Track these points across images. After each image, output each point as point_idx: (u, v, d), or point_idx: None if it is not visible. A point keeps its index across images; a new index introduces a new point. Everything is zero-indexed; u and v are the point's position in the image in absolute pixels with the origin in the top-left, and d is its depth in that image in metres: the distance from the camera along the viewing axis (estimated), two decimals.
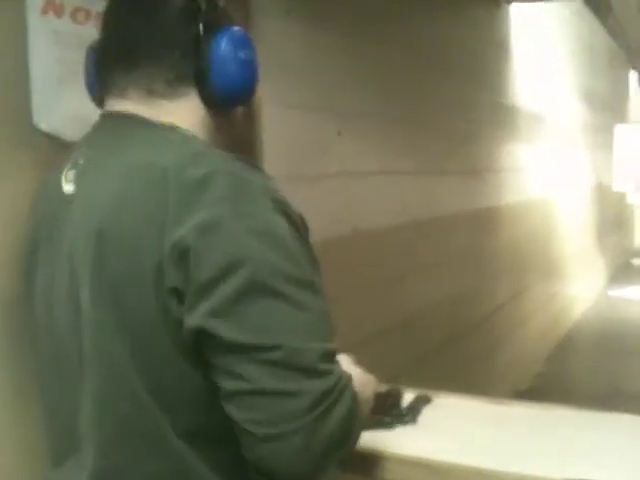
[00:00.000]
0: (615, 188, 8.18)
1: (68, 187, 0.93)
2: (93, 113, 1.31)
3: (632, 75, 9.68)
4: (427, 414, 1.46)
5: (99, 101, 1.00)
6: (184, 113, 0.93)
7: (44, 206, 0.99)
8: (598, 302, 7.06)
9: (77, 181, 0.92)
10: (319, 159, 2.25)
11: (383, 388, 1.48)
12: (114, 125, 0.94)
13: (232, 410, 0.79)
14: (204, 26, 0.92)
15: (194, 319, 0.78)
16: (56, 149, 1.24)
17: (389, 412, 1.42)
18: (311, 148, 2.20)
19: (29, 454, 1.19)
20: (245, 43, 0.94)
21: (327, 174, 2.29)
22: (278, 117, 1.99)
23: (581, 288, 6.66)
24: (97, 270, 0.84)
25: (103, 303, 0.84)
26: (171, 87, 0.92)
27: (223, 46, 0.92)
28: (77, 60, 1.28)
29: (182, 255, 0.78)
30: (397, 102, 2.78)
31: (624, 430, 1.38)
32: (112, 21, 0.98)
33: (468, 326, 3.56)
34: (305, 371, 0.79)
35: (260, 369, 0.77)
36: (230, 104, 0.97)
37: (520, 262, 4.55)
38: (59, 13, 1.27)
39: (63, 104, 1.27)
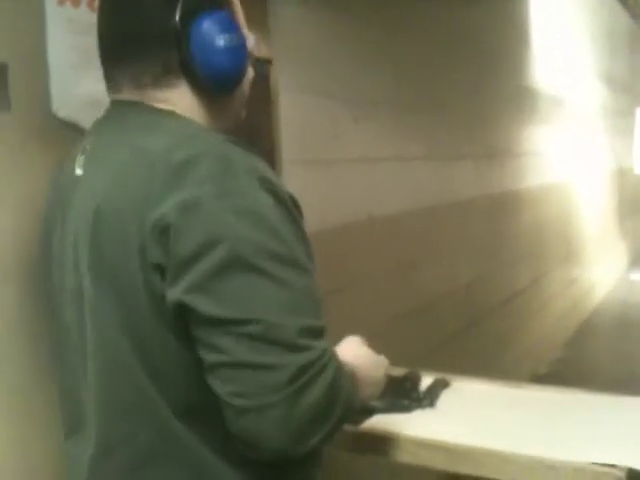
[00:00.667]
0: (637, 171, 8.07)
1: (78, 171, 0.97)
2: (108, 99, 1.34)
3: None
4: (445, 398, 1.47)
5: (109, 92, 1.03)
6: (177, 100, 0.95)
7: (59, 189, 1.03)
8: (618, 286, 6.99)
9: (84, 165, 0.96)
10: (335, 145, 2.25)
11: (401, 372, 1.49)
12: (117, 112, 0.98)
13: (214, 383, 0.81)
14: (181, 15, 0.91)
15: (174, 294, 0.81)
16: (73, 136, 1.26)
17: (407, 395, 1.43)
18: (327, 134, 2.20)
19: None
20: (225, 27, 0.93)
21: (343, 160, 2.29)
22: (295, 103, 1.99)
23: (601, 272, 6.60)
24: (94, 249, 0.88)
25: (99, 281, 0.88)
26: (159, 80, 0.94)
27: (201, 35, 0.92)
28: (93, 47, 1.30)
29: (163, 232, 0.81)
30: (414, 88, 2.76)
31: None
32: (100, 17, 1.00)
33: (487, 311, 3.55)
34: (284, 345, 0.80)
35: (239, 342, 0.79)
36: (220, 91, 0.97)
37: (539, 247, 4.52)
38: (75, 2, 1.28)
39: (80, 91, 1.29)
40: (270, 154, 1.85)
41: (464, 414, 1.40)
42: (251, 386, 0.79)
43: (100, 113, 1.25)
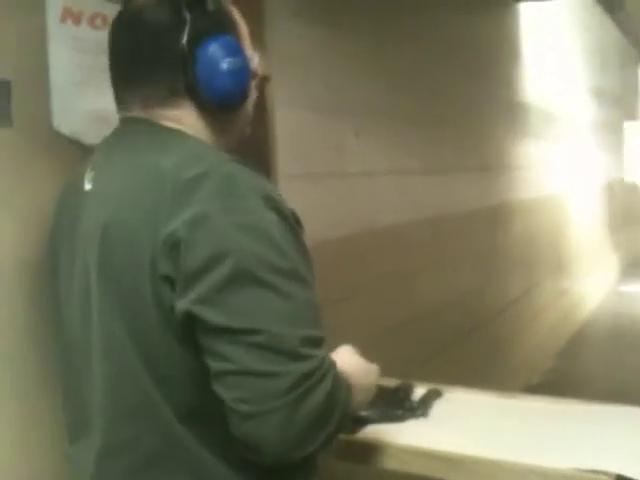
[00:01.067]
0: (627, 180, 8.16)
1: (88, 185, 1.02)
2: (110, 116, 1.36)
3: None
4: (438, 408, 1.49)
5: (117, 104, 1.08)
6: (184, 119, 1.00)
7: (67, 202, 1.08)
8: (609, 297, 7.05)
9: (94, 180, 1.01)
10: (335, 159, 2.29)
11: (395, 382, 1.52)
12: (127, 129, 1.03)
13: (219, 389, 0.85)
14: (188, 40, 0.96)
15: (183, 304, 0.85)
16: (75, 151, 1.29)
17: (401, 405, 1.45)
18: (327, 148, 2.24)
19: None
20: (229, 52, 0.98)
21: (344, 173, 2.32)
22: (292, 117, 2.03)
23: (592, 284, 6.66)
24: (102, 261, 0.93)
25: (107, 291, 0.92)
26: (165, 102, 0.99)
27: (206, 59, 0.97)
28: (94, 65, 1.34)
29: (173, 246, 0.85)
30: (412, 101, 2.81)
31: (634, 422, 1.41)
32: (112, 41, 1.05)
33: (481, 321, 3.58)
34: (286, 354, 0.84)
35: (244, 351, 0.83)
36: (224, 111, 1.02)
37: (532, 258, 4.57)
38: (77, 21, 1.31)
39: (82, 108, 1.32)
40: (266, 168, 1.88)
41: (456, 423, 1.43)
42: (255, 392, 0.83)
43: (101, 129, 1.28)
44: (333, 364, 0.90)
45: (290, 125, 2.00)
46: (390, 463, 1.32)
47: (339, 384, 0.90)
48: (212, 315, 0.83)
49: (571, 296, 5.83)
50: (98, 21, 1.35)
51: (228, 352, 0.83)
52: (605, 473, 1.15)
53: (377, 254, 2.48)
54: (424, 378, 1.64)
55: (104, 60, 1.34)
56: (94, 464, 0.97)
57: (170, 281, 0.86)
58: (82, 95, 1.32)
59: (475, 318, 3.50)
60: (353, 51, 2.38)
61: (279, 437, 0.83)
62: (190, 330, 0.86)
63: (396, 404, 1.45)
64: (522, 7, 4.35)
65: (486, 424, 1.43)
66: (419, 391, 1.54)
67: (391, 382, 1.49)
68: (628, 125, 7.14)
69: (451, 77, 3.22)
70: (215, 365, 0.85)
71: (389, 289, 2.58)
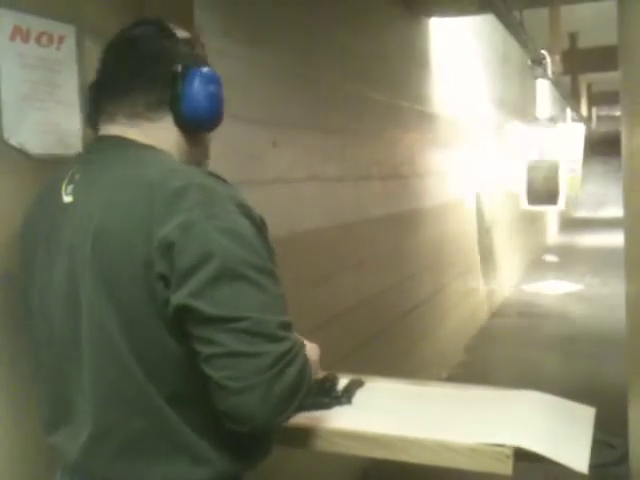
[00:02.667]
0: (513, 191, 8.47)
1: (67, 198, 1.12)
2: (55, 129, 1.45)
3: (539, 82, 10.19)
4: (360, 395, 1.65)
5: (94, 126, 1.19)
6: (162, 134, 1.15)
7: (41, 215, 1.17)
8: (512, 296, 7.48)
9: (74, 193, 1.12)
10: (255, 167, 2.41)
11: (321, 374, 1.67)
12: (105, 146, 1.15)
13: (209, 370, 0.98)
14: (180, 66, 1.13)
15: (177, 298, 0.98)
16: (23, 162, 1.37)
17: (327, 394, 1.60)
18: (248, 157, 2.36)
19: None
20: (213, 80, 1.16)
21: (263, 181, 2.45)
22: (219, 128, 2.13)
23: (497, 283, 7.06)
24: (95, 263, 1.03)
25: (100, 290, 1.03)
26: (150, 110, 1.13)
27: (196, 81, 1.14)
28: (41, 80, 1.42)
29: (167, 248, 0.98)
30: (328, 113, 2.97)
31: (529, 403, 1.61)
32: (106, 62, 1.18)
33: (394, 320, 3.79)
34: (267, 337, 0.98)
35: (231, 336, 0.97)
36: (199, 128, 1.18)
37: (440, 260, 4.84)
38: (25, 38, 1.38)
39: (29, 121, 1.39)
40: None
41: (377, 408, 1.59)
42: (240, 371, 0.97)
43: (45, 140, 1.39)
44: (302, 344, 1.06)
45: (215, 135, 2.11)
46: (320, 445, 1.46)
47: (306, 360, 1.05)
48: (204, 306, 0.96)
49: (477, 295, 6.18)
50: (44, 39, 1.42)
51: (217, 338, 0.97)
52: (505, 446, 1.33)
53: (295, 258, 2.61)
54: (345, 371, 1.79)
55: (49, 76, 1.44)
56: (82, 448, 1.07)
57: (164, 279, 0.98)
58: (29, 109, 1.39)
59: (387, 317, 3.70)
60: (277, 66, 2.51)
61: (262, 407, 0.98)
62: (179, 321, 0.99)
63: (323, 393, 1.59)
64: (431, 22, 4.61)
65: (402, 408, 1.60)
66: (343, 381, 1.69)
67: (319, 374, 1.63)
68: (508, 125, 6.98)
69: (365, 90, 3.41)
70: (205, 350, 0.98)
71: (307, 291, 2.72)
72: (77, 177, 1.13)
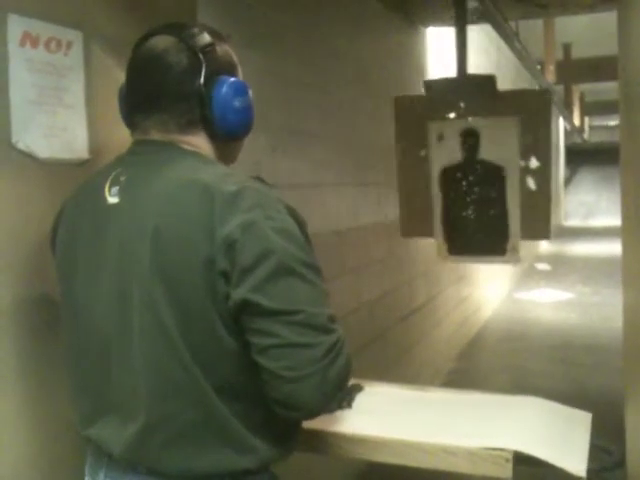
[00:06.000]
0: None
1: (112, 199, 1.16)
2: (61, 134, 1.47)
3: None
4: (360, 400, 1.67)
5: (130, 128, 1.24)
6: (197, 143, 1.19)
7: (82, 216, 1.21)
8: (504, 304, 7.53)
9: (121, 194, 1.15)
10: (254, 173, 2.43)
11: None
12: (146, 149, 1.19)
13: (265, 361, 1.05)
14: (205, 81, 1.15)
15: (239, 293, 1.03)
16: (30, 166, 1.38)
17: None
18: (246, 163, 2.38)
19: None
20: (240, 91, 1.19)
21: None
22: None
23: (489, 291, 7.10)
24: (154, 260, 1.07)
25: (158, 285, 1.07)
26: (182, 130, 1.18)
27: (221, 98, 1.16)
28: (49, 85, 1.43)
29: (230, 246, 1.03)
30: (325, 120, 3.00)
31: (525, 409, 1.63)
32: (132, 76, 1.21)
33: (388, 327, 3.81)
34: (319, 329, 1.05)
35: (287, 328, 1.03)
36: (231, 140, 1.23)
37: (434, 268, 4.87)
38: (34, 44, 1.40)
39: (37, 125, 1.41)
40: None
41: (377, 412, 1.61)
42: (296, 361, 1.04)
43: (53, 144, 1.41)
44: (346, 336, 1.11)
45: None
46: (321, 448, 1.48)
47: (349, 351, 1.11)
48: (263, 300, 1.03)
49: (470, 303, 6.21)
50: (53, 45, 1.44)
51: (274, 329, 1.03)
52: (505, 450, 1.36)
53: None
54: None
55: (57, 81, 1.45)
56: (132, 439, 1.11)
57: (225, 275, 1.04)
58: (37, 113, 1.40)
59: (381, 324, 3.72)
60: (274, 75, 2.53)
61: (316, 395, 1.05)
62: (237, 316, 1.05)
63: None
64: (428, 31, 4.65)
65: (402, 412, 1.62)
66: None
67: None
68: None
69: (362, 98, 3.44)
70: (262, 341, 1.04)
71: None
72: (122, 179, 1.16)
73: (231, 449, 1.10)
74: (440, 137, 2.86)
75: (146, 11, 1.67)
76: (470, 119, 2.80)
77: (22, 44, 1.37)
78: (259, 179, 1.16)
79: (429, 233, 3.00)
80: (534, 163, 2.69)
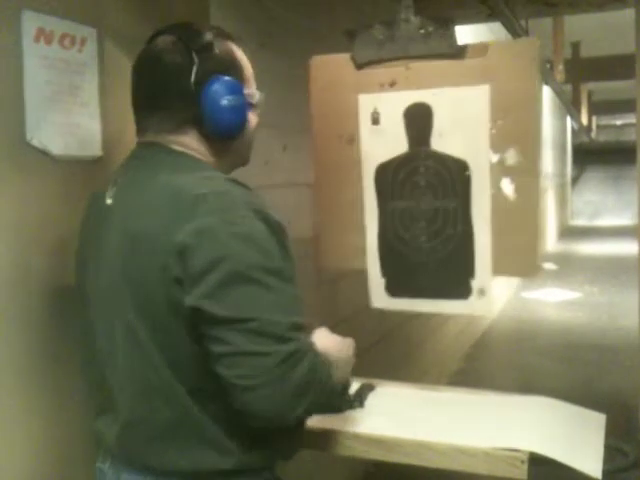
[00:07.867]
0: None
1: (109, 201, 1.18)
2: (75, 131, 1.46)
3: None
4: (372, 399, 1.67)
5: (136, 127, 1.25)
6: (189, 143, 1.19)
7: (91, 216, 1.25)
8: (512, 303, 7.50)
9: (115, 196, 1.18)
10: (266, 171, 2.43)
11: None
12: (144, 152, 1.20)
13: (220, 369, 1.03)
14: (195, 81, 1.14)
15: (190, 300, 1.02)
16: (45, 162, 1.38)
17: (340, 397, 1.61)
18: (259, 161, 2.37)
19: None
20: (230, 90, 1.17)
21: (273, 185, 2.47)
22: None
23: (496, 291, 7.07)
24: (125, 266, 1.10)
25: (129, 292, 1.09)
26: (176, 129, 1.18)
27: (209, 97, 1.15)
28: (63, 81, 1.43)
29: (182, 252, 1.02)
30: None
31: (538, 408, 1.62)
32: (134, 76, 1.23)
33: (392, 327, 3.80)
34: (274, 337, 1.02)
35: (241, 336, 1.01)
36: (224, 138, 1.21)
37: None
38: (49, 40, 1.39)
39: (51, 122, 1.40)
40: None
41: (389, 412, 1.60)
42: (249, 369, 1.01)
43: (68, 141, 1.41)
44: (311, 344, 1.09)
45: None
46: (333, 448, 1.48)
47: (318, 360, 1.08)
48: (214, 308, 1.01)
49: None
50: (67, 41, 1.44)
51: (227, 337, 1.01)
52: (520, 451, 1.35)
53: (305, 261, 2.62)
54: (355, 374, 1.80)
55: (71, 77, 1.45)
56: (117, 435, 1.14)
57: (179, 281, 1.03)
58: (51, 110, 1.40)
59: (387, 324, 3.71)
60: (284, 73, 2.53)
61: (271, 404, 1.03)
62: (195, 321, 1.03)
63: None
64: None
65: (415, 412, 1.61)
66: (355, 385, 1.71)
67: None
68: None
69: None
70: (216, 349, 1.03)
71: (316, 294, 2.74)
72: (119, 181, 1.19)
73: (212, 450, 1.10)
74: (375, 119, 1.84)
75: (160, 8, 1.66)
76: (418, 90, 1.77)
77: (36, 40, 1.37)
78: (236, 182, 1.13)
79: (358, 263, 1.98)
80: (513, 157, 1.67)
